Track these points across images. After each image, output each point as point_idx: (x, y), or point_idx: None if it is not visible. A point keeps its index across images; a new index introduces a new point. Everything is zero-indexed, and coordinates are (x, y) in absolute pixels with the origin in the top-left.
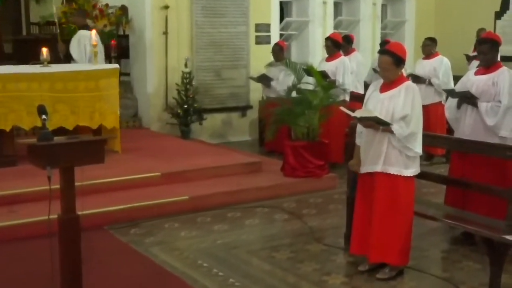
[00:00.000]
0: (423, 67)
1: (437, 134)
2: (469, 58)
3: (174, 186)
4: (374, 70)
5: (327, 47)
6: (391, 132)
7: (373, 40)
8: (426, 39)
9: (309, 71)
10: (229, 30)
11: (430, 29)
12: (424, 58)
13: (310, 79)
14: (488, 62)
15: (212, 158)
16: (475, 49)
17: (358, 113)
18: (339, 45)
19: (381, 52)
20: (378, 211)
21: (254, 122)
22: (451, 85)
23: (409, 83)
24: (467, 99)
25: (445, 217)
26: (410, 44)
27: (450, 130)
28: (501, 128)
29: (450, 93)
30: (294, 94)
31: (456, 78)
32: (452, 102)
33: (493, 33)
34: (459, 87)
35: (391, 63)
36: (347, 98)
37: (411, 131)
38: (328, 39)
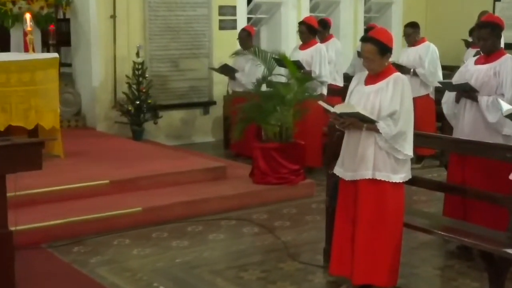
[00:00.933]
0: (407, 55)
1: (429, 134)
2: (469, 45)
3: (124, 195)
4: (359, 53)
5: (301, 33)
6: (377, 130)
7: (355, 25)
8: (406, 26)
9: (281, 61)
10: (188, 13)
11: (420, 13)
12: (409, 46)
13: (283, 70)
14: (489, 49)
15: (169, 162)
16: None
17: (338, 108)
18: (315, 30)
19: (364, 39)
20: (362, 224)
21: (218, 121)
22: (438, 75)
23: (398, 74)
24: (466, 92)
25: (439, 229)
26: (397, 29)
27: (443, 128)
28: (504, 125)
29: (446, 86)
30: (264, 87)
31: (450, 69)
32: (450, 96)
33: (494, 15)
34: (457, 78)
35: (375, 53)
36: (325, 91)
37: (400, 130)
38: (302, 23)
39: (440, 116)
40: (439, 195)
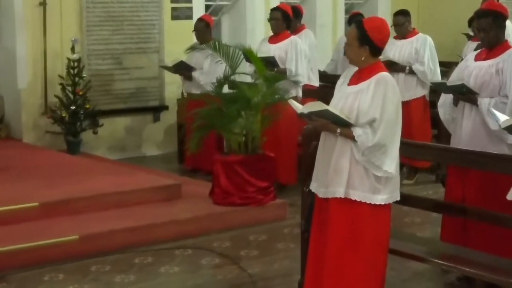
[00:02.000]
0: (400, 49)
1: (423, 143)
2: (470, 38)
3: (57, 221)
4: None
5: (276, 20)
6: (352, 138)
7: (334, 13)
8: (397, 15)
9: (247, 56)
10: None
11: (411, 0)
12: (397, 37)
13: (248, 68)
14: (491, 43)
15: (111, 180)
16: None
17: (306, 107)
18: (289, 20)
19: (352, 22)
20: (331, 252)
21: (170, 129)
22: (438, 73)
23: (382, 74)
24: (463, 94)
25: (435, 257)
26: (385, 18)
27: (440, 136)
28: (508, 133)
29: (440, 87)
30: (226, 89)
31: (447, 65)
32: (447, 98)
33: (496, 2)
34: (454, 77)
35: (355, 37)
36: (300, 93)
37: (378, 142)
38: (276, 9)
39: (435, 121)
40: (436, 216)
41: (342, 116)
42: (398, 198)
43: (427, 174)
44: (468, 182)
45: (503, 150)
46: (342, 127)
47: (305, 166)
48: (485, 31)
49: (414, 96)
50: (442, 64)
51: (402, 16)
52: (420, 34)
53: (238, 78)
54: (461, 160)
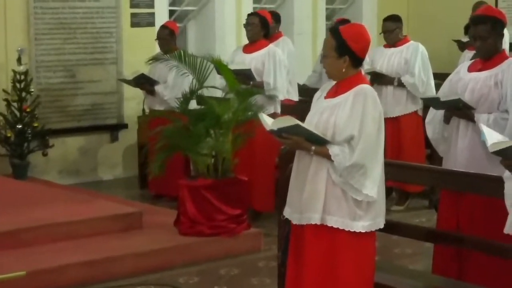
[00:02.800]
0: (388, 59)
1: (414, 164)
2: (463, 46)
3: (2, 254)
4: None
5: (252, 26)
6: (329, 157)
7: (314, 20)
8: (386, 21)
9: (217, 68)
10: (87, 4)
11: (400, 5)
12: (386, 46)
13: (218, 81)
14: (488, 52)
15: (63, 208)
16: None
17: (275, 123)
18: (268, 27)
19: (330, 30)
20: (306, 285)
21: (130, 150)
22: (431, 86)
23: (362, 87)
24: (458, 110)
25: None
26: (370, 25)
27: (433, 156)
28: None
29: (432, 102)
30: (193, 104)
31: (441, 77)
32: (436, 114)
33: (494, 8)
34: (446, 91)
35: (332, 47)
36: (278, 109)
37: (356, 162)
38: (255, 15)
39: (428, 140)
40: (429, 246)
41: (316, 132)
42: (382, 226)
43: (419, 199)
44: (463, 208)
45: (503, 172)
46: (317, 144)
47: (283, 191)
48: (483, 39)
49: (405, 111)
50: (436, 76)
51: (392, 22)
52: (412, 42)
53: (206, 92)
54: (459, 183)
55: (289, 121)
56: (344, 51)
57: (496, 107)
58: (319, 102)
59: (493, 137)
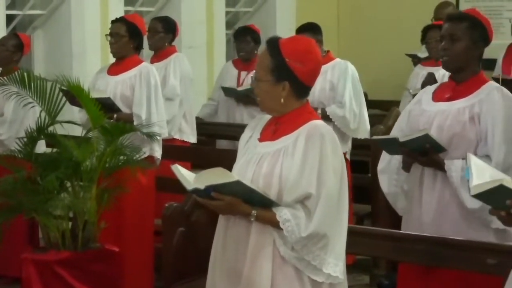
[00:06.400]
0: None
1: (357, 228)
2: (418, 63)
3: None
4: (226, 89)
5: (117, 37)
6: (276, 225)
7: (209, 29)
8: (302, 31)
9: (72, 96)
10: None
11: (328, 9)
12: None
13: (77, 114)
14: (457, 60)
15: None
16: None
17: (202, 179)
18: (140, 38)
19: (266, 43)
20: None
21: None
22: (366, 121)
23: (316, 125)
24: (424, 154)
25: None
26: (285, 34)
27: (375, 214)
28: None
29: (386, 144)
30: (41, 147)
31: (384, 106)
32: (391, 161)
33: (482, 13)
34: (403, 127)
35: (266, 68)
36: (158, 152)
37: (315, 231)
38: (120, 21)
39: (362, 192)
40: None
41: (261, 191)
42: None
43: (357, 273)
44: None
45: (487, 238)
46: (259, 207)
47: (169, 266)
48: (452, 38)
49: None
50: (374, 104)
51: (310, 33)
52: (338, 61)
53: (60, 129)
54: (425, 254)
55: (224, 175)
56: (283, 74)
57: (473, 150)
58: (251, 147)
59: (484, 175)
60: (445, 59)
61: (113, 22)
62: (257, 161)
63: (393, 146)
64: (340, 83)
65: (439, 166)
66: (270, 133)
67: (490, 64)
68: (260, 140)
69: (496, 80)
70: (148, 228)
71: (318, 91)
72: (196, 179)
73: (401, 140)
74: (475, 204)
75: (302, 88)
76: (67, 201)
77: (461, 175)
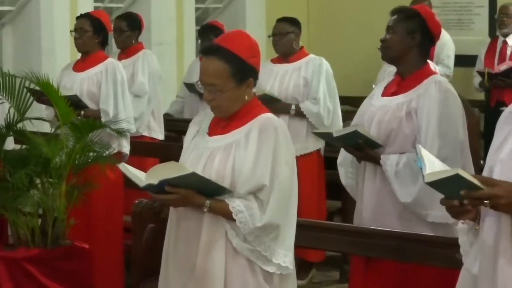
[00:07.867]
0: (281, 79)
1: (316, 222)
2: None
3: None
4: (189, 85)
5: (81, 32)
6: (228, 216)
7: (179, 25)
8: (281, 21)
9: (40, 92)
10: None
11: (297, 4)
12: (276, 61)
13: (45, 111)
14: (394, 56)
15: None
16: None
17: (156, 175)
18: (104, 34)
19: (206, 51)
20: None
21: None
22: (339, 118)
23: (269, 118)
24: (357, 148)
25: None
26: (257, 33)
27: (345, 210)
28: (427, 206)
29: (326, 139)
30: (9, 143)
31: (354, 102)
32: (347, 154)
33: (428, 8)
34: (356, 121)
35: (225, 76)
36: (126, 148)
37: (269, 221)
38: (84, 17)
39: (336, 188)
40: None
41: (215, 181)
42: None
43: (327, 269)
44: (371, 275)
45: (422, 229)
46: (212, 198)
47: (138, 263)
48: (389, 31)
49: (304, 150)
50: (347, 101)
51: (288, 24)
52: (312, 57)
53: (29, 126)
54: (366, 246)
55: (178, 169)
56: (245, 74)
57: (410, 146)
58: (199, 142)
59: (434, 165)
60: (382, 50)
61: (77, 18)
62: (208, 155)
63: (331, 141)
64: (314, 79)
65: (376, 161)
66: (220, 127)
67: (470, 60)
68: (210, 134)
69: (481, 74)
70: (118, 225)
71: (292, 87)
72: (150, 175)
73: (334, 135)
74: (408, 198)
75: (253, 81)
76: (37, 198)
77: (396, 170)
